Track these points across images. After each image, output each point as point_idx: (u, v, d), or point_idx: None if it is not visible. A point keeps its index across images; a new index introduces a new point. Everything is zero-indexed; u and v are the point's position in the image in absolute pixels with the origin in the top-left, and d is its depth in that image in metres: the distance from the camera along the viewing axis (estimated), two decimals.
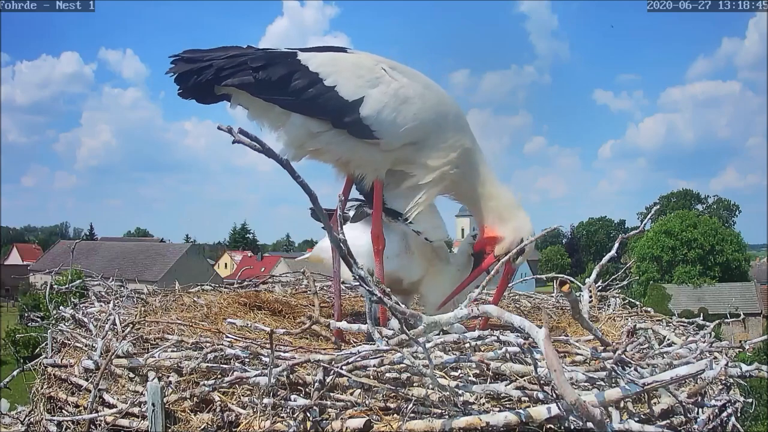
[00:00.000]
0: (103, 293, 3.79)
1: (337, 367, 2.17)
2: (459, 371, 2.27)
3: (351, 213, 3.47)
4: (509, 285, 3.57)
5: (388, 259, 3.17)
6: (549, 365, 1.78)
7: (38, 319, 3.72)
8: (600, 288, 4.18)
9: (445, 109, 3.01)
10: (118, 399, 2.36)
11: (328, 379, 2.15)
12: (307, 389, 2.17)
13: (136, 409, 2.26)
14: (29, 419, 2.99)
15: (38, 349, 3.32)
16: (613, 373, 2.20)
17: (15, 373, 3.58)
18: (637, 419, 2.12)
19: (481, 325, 3.07)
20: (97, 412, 2.34)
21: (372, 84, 2.85)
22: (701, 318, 3.42)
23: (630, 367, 2.25)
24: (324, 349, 2.62)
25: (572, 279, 4.36)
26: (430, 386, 2.09)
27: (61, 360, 2.77)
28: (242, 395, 2.20)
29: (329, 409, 2.11)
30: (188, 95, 2.92)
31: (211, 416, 2.15)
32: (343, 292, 4.31)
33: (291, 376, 2.19)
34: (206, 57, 2.86)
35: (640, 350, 2.70)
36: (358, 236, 3.17)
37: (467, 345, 2.39)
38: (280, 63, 2.83)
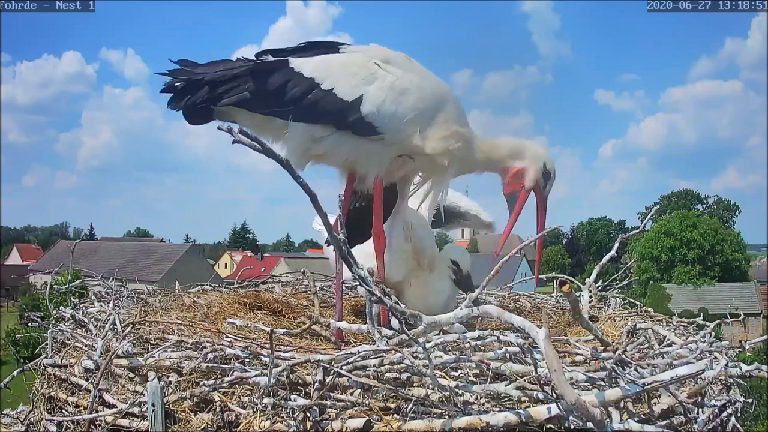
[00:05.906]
0: (103, 293, 3.79)
1: (337, 367, 2.17)
2: (459, 371, 2.26)
3: None
4: (510, 285, 3.57)
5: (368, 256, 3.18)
6: (549, 365, 1.78)
7: (38, 319, 3.71)
8: (600, 288, 4.18)
9: (442, 95, 3.01)
10: (118, 399, 2.35)
11: (328, 379, 2.15)
12: (307, 389, 2.17)
13: (136, 409, 2.25)
14: (29, 419, 2.99)
15: (38, 349, 3.32)
16: (613, 373, 2.19)
17: (15, 373, 3.57)
18: (637, 419, 2.11)
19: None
20: (97, 412, 2.34)
21: (368, 81, 2.85)
22: (701, 318, 3.42)
23: (630, 367, 2.25)
24: (324, 349, 2.62)
25: (572, 279, 4.35)
26: (430, 386, 2.09)
27: (61, 360, 2.76)
28: (242, 395, 2.20)
29: (329, 409, 2.11)
30: (192, 120, 2.92)
31: (211, 416, 2.15)
32: (343, 292, 4.31)
33: (291, 376, 2.19)
34: (197, 76, 2.85)
35: (640, 350, 2.70)
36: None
37: (467, 345, 2.38)
38: (273, 74, 2.82)
